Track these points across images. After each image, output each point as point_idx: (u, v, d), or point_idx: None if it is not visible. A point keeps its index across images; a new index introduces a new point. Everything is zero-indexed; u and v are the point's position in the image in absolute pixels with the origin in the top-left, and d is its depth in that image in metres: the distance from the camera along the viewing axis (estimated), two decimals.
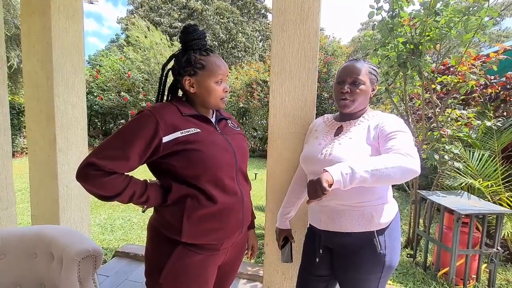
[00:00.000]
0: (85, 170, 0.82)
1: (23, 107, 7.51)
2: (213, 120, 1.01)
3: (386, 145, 0.95)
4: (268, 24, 18.92)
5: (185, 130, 0.88)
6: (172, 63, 1.01)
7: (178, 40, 0.98)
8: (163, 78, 1.01)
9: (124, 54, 10.11)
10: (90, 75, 10.03)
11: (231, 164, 0.95)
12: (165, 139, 0.85)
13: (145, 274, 0.97)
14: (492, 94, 3.23)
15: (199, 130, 0.90)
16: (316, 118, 1.38)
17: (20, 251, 1.26)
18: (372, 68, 1.09)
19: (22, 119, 7.59)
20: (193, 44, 0.94)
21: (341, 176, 0.84)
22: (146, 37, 9.36)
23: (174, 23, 16.69)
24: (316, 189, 0.83)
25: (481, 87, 3.12)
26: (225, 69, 0.97)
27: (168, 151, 0.86)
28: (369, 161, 0.87)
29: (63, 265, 1.20)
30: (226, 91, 0.99)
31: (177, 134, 0.86)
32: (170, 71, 1.01)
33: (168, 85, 1.02)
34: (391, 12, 2.24)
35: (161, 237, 0.93)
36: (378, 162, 0.86)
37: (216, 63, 0.95)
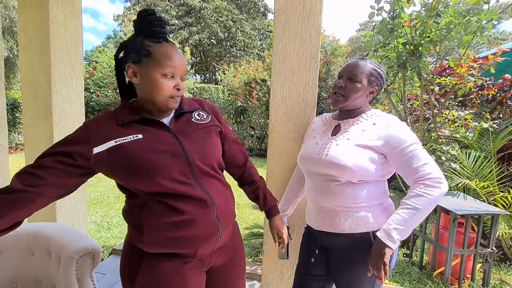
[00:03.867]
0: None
1: (17, 102, 7.46)
2: (168, 119, 0.88)
3: (413, 164, 0.96)
4: (268, 22, 18.84)
5: (121, 139, 0.78)
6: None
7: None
8: (118, 70, 0.87)
9: None
10: (86, 71, 9.94)
11: (180, 169, 0.82)
12: (96, 150, 0.76)
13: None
14: (488, 96, 3.25)
15: (139, 136, 0.80)
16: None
17: (17, 248, 1.25)
18: (375, 70, 1.06)
19: (16, 114, 7.50)
20: (146, 29, 0.80)
21: (396, 243, 0.94)
22: None
23: (171, 20, 16.57)
24: (379, 266, 0.93)
25: (477, 89, 3.15)
26: (179, 63, 0.81)
27: (104, 163, 0.78)
28: (413, 219, 0.93)
29: (61, 262, 1.19)
30: (179, 89, 0.83)
31: (111, 143, 0.77)
32: None
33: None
34: (391, 13, 2.25)
35: (131, 249, 0.87)
36: (421, 214, 0.94)
37: (167, 52, 0.79)
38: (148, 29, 0.80)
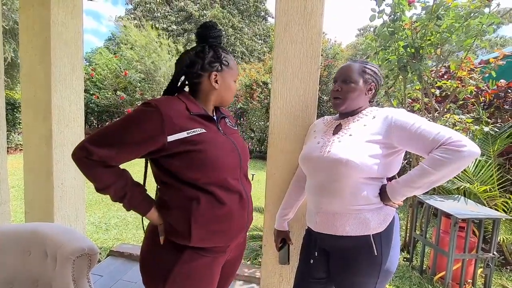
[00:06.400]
0: (78, 154, 0.82)
1: (18, 102, 7.46)
2: (214, 118, 0.99)
3: (428, 138, 0.91)
4: (269, 26, 18.92)
5: (191, 130, 0.85)
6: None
7: (196, 36, 0.97)
8: (180, 72, 0.96)
9: (120, 52, 10.06)
10: (86, 72, 9.95)
11: (235, 165, 0.94)
12: (170, 138, 0.82)
13: (144, 283, 0.92)
14: (486, 101, 3.26)
15: (204, 130, 0.88)
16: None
17: (13, 249, 1.23)
18: (368, 68, 1.08)
19: (17, 115, 7.50)
20: (215, 41, 0.95)
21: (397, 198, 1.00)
22: (140, 33, 9.28)
23: (170, 26, 16.62)
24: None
25: (474, 93, 3.14)
26: (238, 71, 1.04)
27: (171, 151, 0.83)
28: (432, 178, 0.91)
29: (57, 263, 1.17)
30: (236, 91, 1.03)
31: (183, 134, 0.83)
32: (176, 65, 0.99)
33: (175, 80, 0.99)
34: (392, 16, 2.25)
35: (165, 243, 0.89)
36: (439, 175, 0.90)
37: (234, 62, 1.00)
38: (218, 41, 0.96)
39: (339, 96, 1.09)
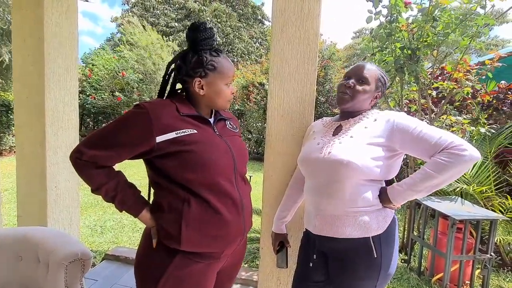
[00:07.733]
0: (73, 155, 0.85)
1: (13, 104, 7.37)
2: (211, 120, 0.98)
3: (431, 142, 0.92)
4: (265, 28, 18.97)
5: (181, 131, 0.85)
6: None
7: (185, 38, 0.94)
8: (167, 76, 0.97)
9: (118, 53, 10.00)
10: (82, 74, 9.88)
11: (229, 167, 0.92)
12: (159, 139, 0.83)
13: (137, 287, 0.92)
14: (484, 103, 3.27)
15: (195, 131, 0.87)
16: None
17: (4, 254, 1.20)
18: (382, 76, 1.09)
19: (11, 116, 7.41)
20: (203, 44, 0.90)
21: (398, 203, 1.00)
22: (140, 33, 9.24)
23: (170, 22, 16.64)
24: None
25: (471, 95, 3.16)
26: (233, 72, 0.96)
27: (162, 151, 0.84)
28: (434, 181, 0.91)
29: (49, 269, 1.15)
30: (233, 93, 0.98)
31: (172, 135, 0.83)
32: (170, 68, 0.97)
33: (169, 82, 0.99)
34: (389, 17, 2.25)
35: (158, 246, 0.88)
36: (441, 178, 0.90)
37: (226, 65, 0.93)
38: (207, 44, 0.90)
39: (349, 92, 1.05)
